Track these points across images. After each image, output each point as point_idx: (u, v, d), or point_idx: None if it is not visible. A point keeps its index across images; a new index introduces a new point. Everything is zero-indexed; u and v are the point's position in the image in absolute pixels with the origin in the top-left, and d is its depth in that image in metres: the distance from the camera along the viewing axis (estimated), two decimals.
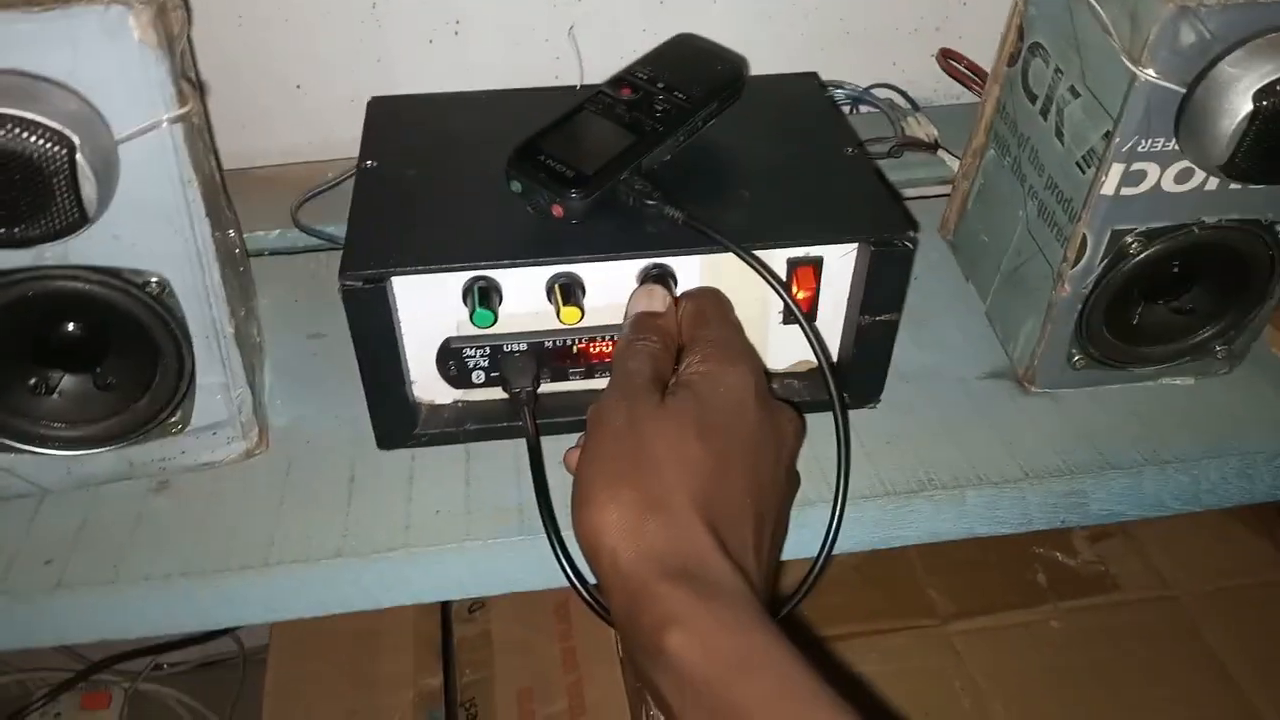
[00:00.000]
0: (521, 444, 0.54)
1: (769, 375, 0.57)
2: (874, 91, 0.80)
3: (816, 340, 0.49)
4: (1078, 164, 0.52)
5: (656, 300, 0.50)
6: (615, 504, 0.41)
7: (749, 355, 0.48)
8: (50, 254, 0.45)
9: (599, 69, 0.69)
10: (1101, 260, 0.52)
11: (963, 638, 0.84)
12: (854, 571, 0.86)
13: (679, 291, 0.52)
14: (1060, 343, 0.56)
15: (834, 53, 0.81)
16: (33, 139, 0.39)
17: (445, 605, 0.90)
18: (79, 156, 0.40)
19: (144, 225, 0.45)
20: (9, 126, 0.39)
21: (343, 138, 0.78)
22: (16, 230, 0.42)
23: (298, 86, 0.77)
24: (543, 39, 0.77)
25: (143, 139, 0.43)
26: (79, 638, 0.49)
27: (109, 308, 0.47)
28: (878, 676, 0.78)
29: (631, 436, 0.43)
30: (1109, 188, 0.50)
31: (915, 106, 0.79)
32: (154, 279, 0.47)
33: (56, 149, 0.40)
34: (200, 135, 0.47)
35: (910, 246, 0.51)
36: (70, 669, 1.00)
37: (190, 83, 0.44)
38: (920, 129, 0.76)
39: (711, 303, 0.51)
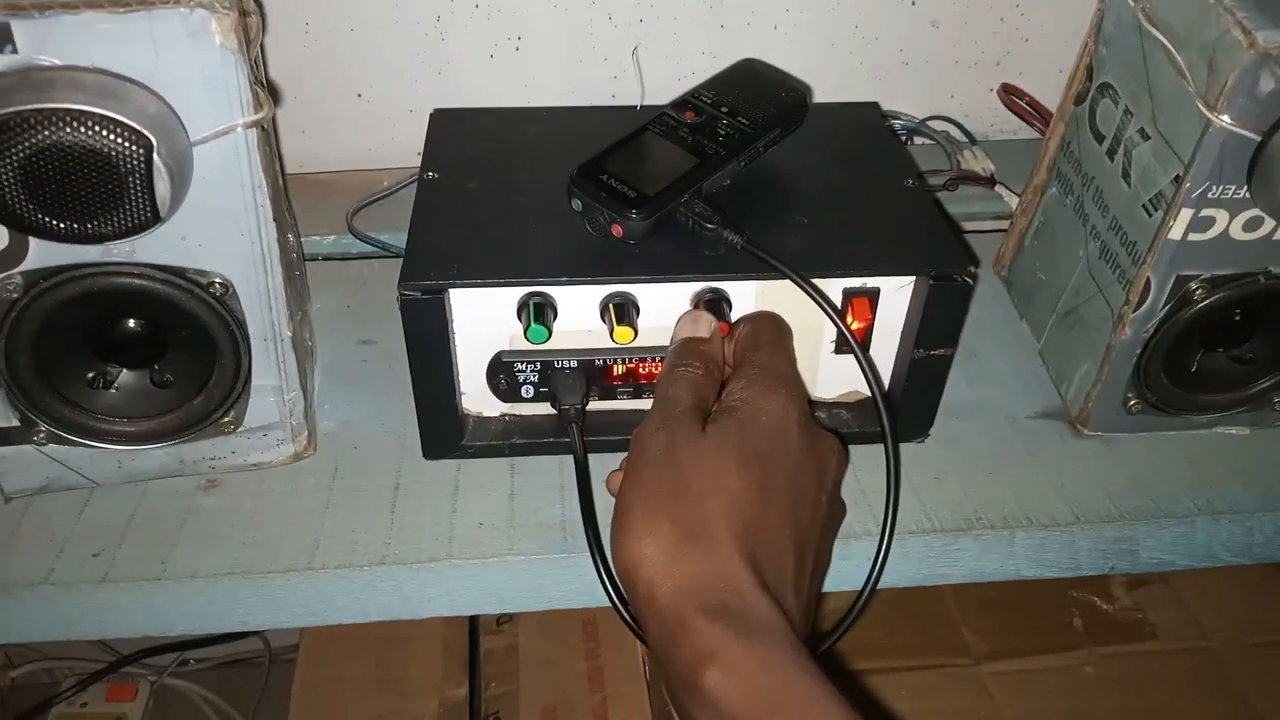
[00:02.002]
0: (566, 460, 0.54)
1: (817, 404, 0.57)
2: (930, 123, 0.79)
3: (871, 372, 0.49)
4: (1144, 207, 0.51)
5: (702, 326, 0.50)
6: (653, 536, 0.41)
7: (793, 382, 0.48)
8: (117, 250, 0.45)
9: (658, 89, 0.70)
10: (1164, 305, 0.52)
11: (995, 679, 0.82)
12: (887, 606, 0.85)
13: (733, 316, 0.52)
14: (1117, 386, 0.55)
15: (892, 82, 0.81)
16: (112, 137, 0.40)
17: (474, 616, 0.90)
18: (156, 157, 0.41)
19: (212, 227, 0.46)
20: (89, 124, 0.40)
21: (400, 147, 0.79)
22: (89, 226, 0.42)
23: (359, 95, 0.78)
24: (602, 57, 0.78)
25: (217, 142, 0.43)
26: (122, 632, 0.50)
27: (172, 306, 0.47)
28: (908, 714, 0.77)
29: (671, 466, 0.43)
30: (1176, 233, 0.49)
31: (972, 140, 0.79)
32: (218, 280, 0.47)
33: (134, 148, 0.40)
34: (269, 140, 0.48)
35: (970, 282, 0.50)
36: (98, 659, 1.01)
37: (264, 88, 0.45)
38: (977, 163, 0.76)
39: (767, 327, 0.51)
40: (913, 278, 0.52)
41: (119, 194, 0.41)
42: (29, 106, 0.39)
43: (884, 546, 0.49)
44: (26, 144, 0.39)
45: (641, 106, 0.64)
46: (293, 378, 0.52)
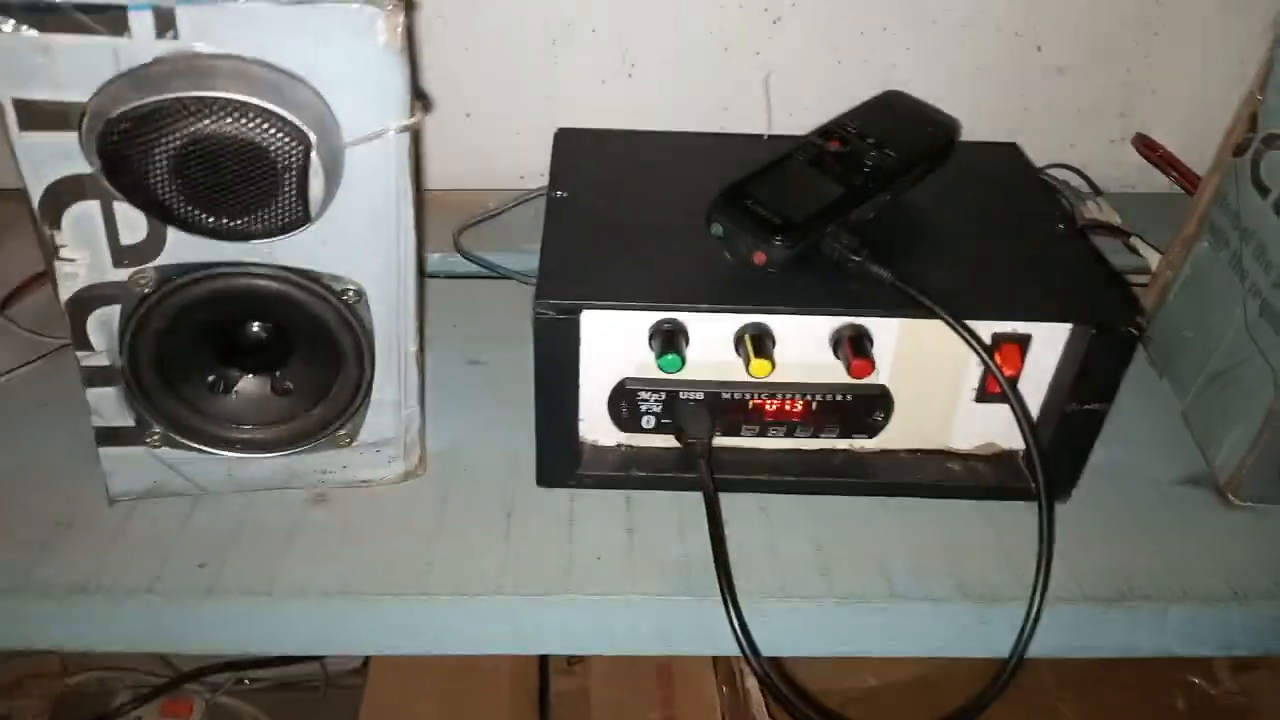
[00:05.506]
0: (684, 496, 0.52)
1: (950, 455, 0.54)
2: (1050, 172, 0.77)
3: (1028, 425, 0.46)
4: None
5: None
6: None
7: None
8: (255, 250, 0.44)
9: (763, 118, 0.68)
10: None
11: None
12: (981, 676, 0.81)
13: (875, 353, 0.49)
14: (1273, 454, 0.52)
15: (1011, 126, 0.78)
16: (273, 131, 0.38)
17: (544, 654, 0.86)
18: (314, 155, 0.39)
19: (352, 232, 0.44)
20: (250, 116, 0.38)
21: (505, 167, 0.78)
22: (238, 222, 0.41)
23: (467, 114, 0.77)
24: (714, 88, 0.76)
25: (368, 145, 0.42)
26: (226, 648, 0.48)
27: (301, 311, 0.46)
28: None
29: None
30: None
31: (1096, 190, 0.76)
32: (351, 288, 0.46)
33: (294, 144, 0.39)
34: (414, 147, 0.46)
35: (1136, 334, 0.47)
36: (156, 673, 0.98)
37: (419, 95, 0.44)
38: (1101, 214, 0.73)
39: None
40: (1069, 325, 0.49)
41: (272, 191, 0.40)
42: (190, 94, 0.38)
43: (1034, 612, 0.45)
44: (183, 132, 0.38)
45: (769, 136, 0.63)
46: (412, 393, 0.50)
